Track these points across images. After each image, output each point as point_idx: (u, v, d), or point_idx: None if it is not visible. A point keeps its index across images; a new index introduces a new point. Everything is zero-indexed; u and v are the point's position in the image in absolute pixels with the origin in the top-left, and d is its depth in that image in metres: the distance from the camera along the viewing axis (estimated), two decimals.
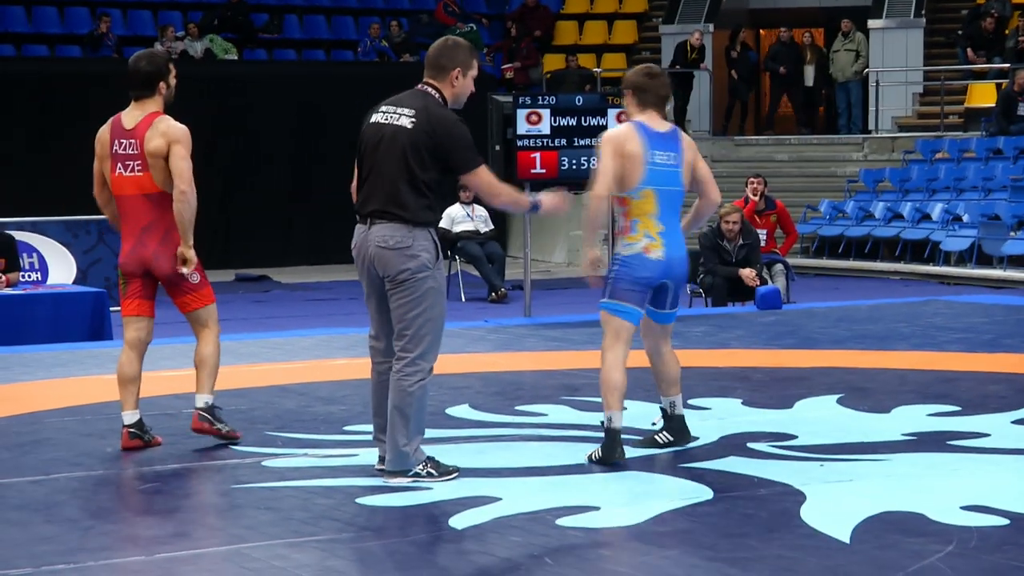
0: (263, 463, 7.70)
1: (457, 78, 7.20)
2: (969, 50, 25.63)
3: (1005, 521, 6.35)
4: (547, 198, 7.46)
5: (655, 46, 28.72)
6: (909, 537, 6.10)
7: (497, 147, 14.40)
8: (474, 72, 7.29)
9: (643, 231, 7.64)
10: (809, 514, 6.49)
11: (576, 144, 14.33)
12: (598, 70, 27.09)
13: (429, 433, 8.31)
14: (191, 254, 7.95)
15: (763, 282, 15.04)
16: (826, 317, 14.21)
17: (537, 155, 14.25)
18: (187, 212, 7.87)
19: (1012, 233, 20.51)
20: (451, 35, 7.67)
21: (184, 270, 7.96)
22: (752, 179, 16.85)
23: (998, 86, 23.99)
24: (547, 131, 14.26)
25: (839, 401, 9.26)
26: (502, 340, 12.87)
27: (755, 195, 16.59)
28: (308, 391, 9.96)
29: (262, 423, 8.81)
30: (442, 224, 19.00)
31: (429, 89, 7.19)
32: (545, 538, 6.19)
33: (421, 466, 7.18)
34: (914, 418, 8.66)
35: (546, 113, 14.26)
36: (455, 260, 19.03)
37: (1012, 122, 23.16)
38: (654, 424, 8.15)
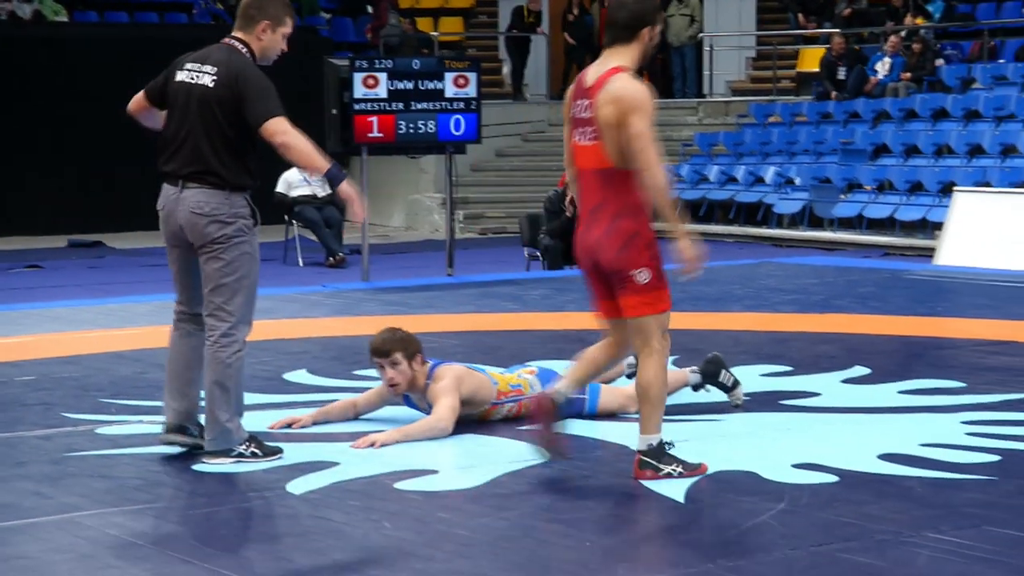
0: (97, 431, 7.61)
1: (265, 31, 6.91)
2: (800, 15, 26.01)
3: (835, 478, 6.49)
4: (351, 186, 6.92)
5: (492, 10, 28.72)
6: (742, 496, 6.19)
7: (334, 111, 14.30)
8: (285, 29, 6.96)
9: None
10: None
11: (413, 108, 14.29)
12: (435, 34, 27.03)
13: (266, 399, 8.29)
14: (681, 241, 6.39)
15: None
16: None
17: (374, 119, 14.18)
18: (655, 197, 6.32)
19: (842, 196, 20.88)
20: None
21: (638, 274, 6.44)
22: None
23: (828, 50, 24.36)
24: (384, 95, 14.20)
25: (674, 363, 9.35)
26: (340, 305, 12.83)
27: None
28: (143, 357, 9.83)
29: (96, 390, 8.70)
30: (279, 188, 18.85)
31: (235, 43, 6.93)
32: (383, 502, 6.20)
33: (244, 445, 6.90)
34: (747, 378, 8.77)
35: (383, 77, 14.20)
36: (292, 225, 18.92)
37: (837, 87, 23.54)
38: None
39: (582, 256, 6.55)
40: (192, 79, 6.89)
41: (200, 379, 7.01)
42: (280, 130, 6.71)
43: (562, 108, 6.69)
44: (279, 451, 6.99)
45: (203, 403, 6.96)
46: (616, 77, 6.33)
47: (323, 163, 6.80)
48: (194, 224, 6.83)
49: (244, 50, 6.91)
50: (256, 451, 6.91)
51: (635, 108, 6.25)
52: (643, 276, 6.40)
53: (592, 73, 6.46)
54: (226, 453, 6.88)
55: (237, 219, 6.83)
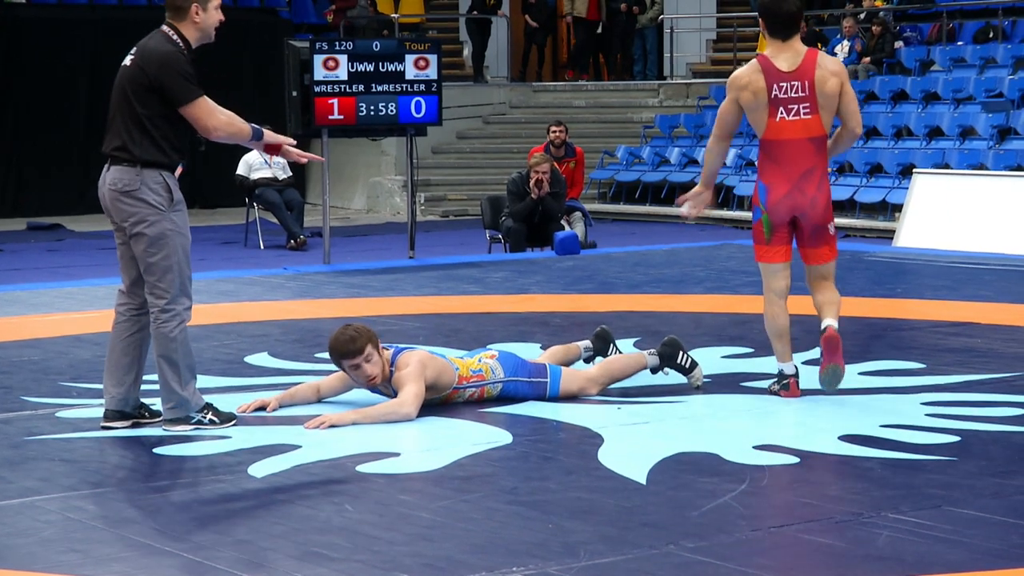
0: (57, 414, 7.58)
1: (198, 13, 7.03)
2: None
3: (795, 459, 6.51)
4: (271, 134, 7.26)
5: None
6: (703, 477, 6.21)
7: (295, 93, 14.28)
8: (215, 2, 7.08)
9: None
10: (607, 456, 6.58)
11: (374, 90, 14.27)
12: (396, 15, 26.96)
13: (228, 382, 8.27)
14: None
15: (560, 228, 15.16)
16: (623, 262, 14.38)
17: (335, 101, 14.16)
18: (852, 143, 7.95)
19: None
20: None
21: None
22: (554, 127, 16.88)
23: None
24: (345, 77, 14.18)
25: (636, 344, 9.38)
26: (301, 287, 12.81)
27: (557, 143, 16.65)
28: (103, 341, 9.71)
29: (56, 374, 8.66)
30: (240, 171, 18.81)
31: (166, 28, 7.05)
32: (345, 485, 6.20)
33: (202, 412, 7.10)
34: (708, 360, 8.79)
35: (343, 59, 14.17)
36: (253, 207, 18.87)
37: None
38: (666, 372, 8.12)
39: (787, 212, 7.70)
40: (123, 64, 7.09)
41: (136, 364, 7.18)
42: (200, 114, 6.92)
43: (738, 93, 7.69)
44: (234, 417, 7.20)
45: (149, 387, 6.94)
46: (822, 55, 7.69)
47: (248, 128, 7.07)
48: (112, 201, 7.03)
49: (173, 34, 7.05)
50: (213, 419, 7.12)
51: (847, 77, 7.74)
52: (833, 228, 7.84)
53: (784, 59, 7.62)
54: (185, 420, 7.09)
55: (150, 195, 6.94)
